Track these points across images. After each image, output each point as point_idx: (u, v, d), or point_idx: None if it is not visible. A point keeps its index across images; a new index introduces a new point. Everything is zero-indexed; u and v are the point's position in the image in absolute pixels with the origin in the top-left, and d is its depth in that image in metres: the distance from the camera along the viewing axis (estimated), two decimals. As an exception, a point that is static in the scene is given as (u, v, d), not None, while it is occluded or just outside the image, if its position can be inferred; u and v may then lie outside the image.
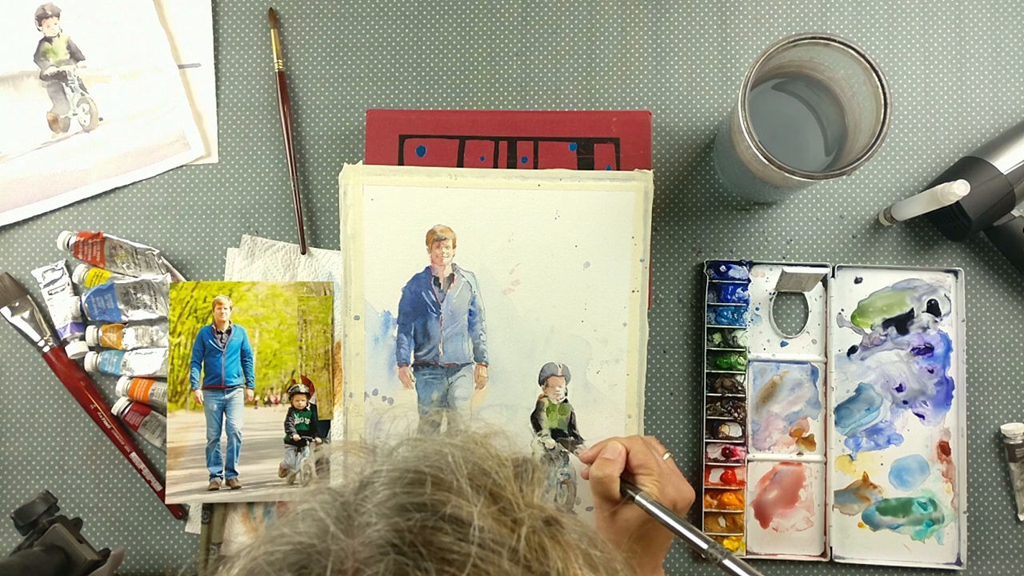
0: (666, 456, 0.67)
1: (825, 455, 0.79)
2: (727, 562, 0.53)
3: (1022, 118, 0.81)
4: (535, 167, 0.79)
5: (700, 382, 0.80)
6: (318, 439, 0.79)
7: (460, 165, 0.79)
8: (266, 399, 0.79)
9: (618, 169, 0.79)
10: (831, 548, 0.77)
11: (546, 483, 0.44)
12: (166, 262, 0.81)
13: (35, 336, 0.80)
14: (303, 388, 0.79)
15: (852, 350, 0.79)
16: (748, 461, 0.79)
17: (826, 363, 0.79)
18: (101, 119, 0.83)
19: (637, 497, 0.62)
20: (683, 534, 0.58)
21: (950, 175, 0.77)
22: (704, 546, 0.55)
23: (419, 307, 0.78)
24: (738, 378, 0.79)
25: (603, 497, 0.65)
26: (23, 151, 0.83)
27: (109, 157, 0.83)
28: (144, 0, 0.83)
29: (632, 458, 0.65)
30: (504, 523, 0.37)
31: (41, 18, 0.83)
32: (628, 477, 0.65)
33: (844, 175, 0.64)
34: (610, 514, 0.65)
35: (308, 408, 0.79)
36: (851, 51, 0.64)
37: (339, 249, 0.80)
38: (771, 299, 0.80)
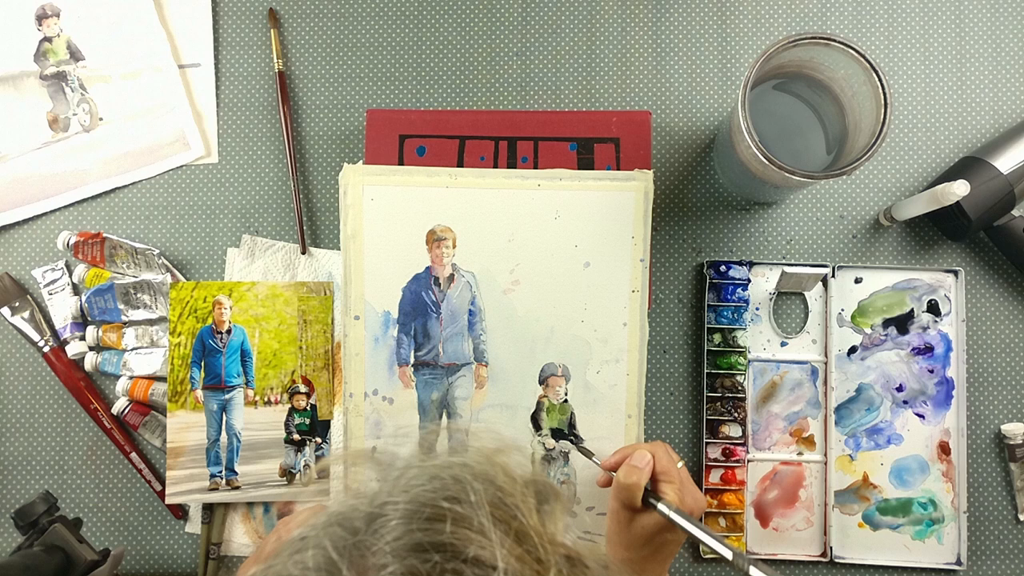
0: (680, 464, 0.67)
1: (825, 455, 0.79)
2: (753, 570, 0.52)
3: (1022, 118, 0.81)
4: (535, 167, 0.79)
5: (700, 382, 0.80)
6: (318, 439, 0.79)
7: (460, 165, 0.79)
8: (266, 399, 0.79)
9: (618, 169, 0.79)
10: (831, 548, 0.77)
11: (568, 515, 0.40)
12: (166, 262, 0.81)
13: (35, 336, 0.80)
14: (303, 388, 0.79)
15: (852, 350, 0.79)
16: (748, 461, 0.79)
17: (826, 363, 0.79)
18: (101, 119, 0.83)
19: (660, 506, 0.62)
20: (710, 544, 0.57)
21: (950, 175, 0.77)
22: (730, 556, 0.54)
23: (419, 307, 0.78)
24: (738, 378, 0.78)
25: (624, 504, 0.64)
26: (23, 151, 0.83)
27: (109, 157, 0.83)
28: (144, 0, 0.83)
29: (656, 464, 0.65)
30: (529, 565, 0.35)
31: (41, 18, 0.83)
32: (649, 484, 0.65)
33: (844, 175, 0.64)
34: (627, 520, 0.64)
35: (308, 408, 0.79)
36: (851, 51, 0.64)
37: (339, 249, 0.80)
38: (771, 299, 0.80)
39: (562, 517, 0.40)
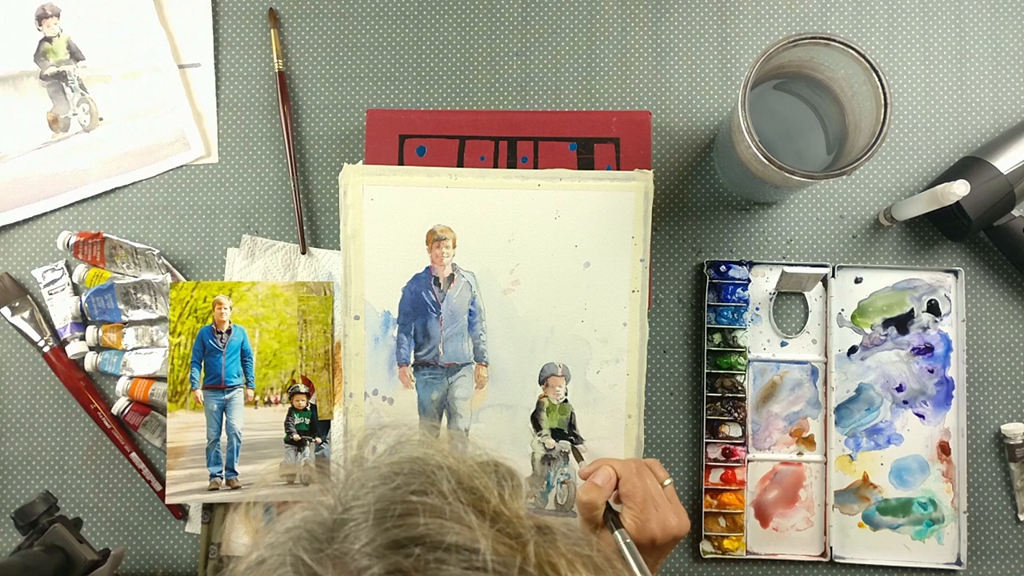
0: (667, 482, 0.65)
1: (825, 455, 0.79)
2: None
3: (1022, 118, 0.81)
4: (535, 167, 0.79)
5: (700, 382, 0.80)
6: (318, 439, 0.79)
7: (460, 165, 0.79)
8: (266, 399, 0.79)
9: (618, 169, 0.79)
10: (831, 548, 0.77)
11: (525, 488, 0.41)
12: (166, 262, 0.81)
13: (35, 336, 0.80)
14: (303, 388, 0.79)
15: (852, 350, 0.79)
16: (748, 461, 0.79)
17: (826, 363, 0.79)
18: (101, 119, 0.83)
19: (616, 533, 0.60)
20: None
21: (950, 175, 0.77)
22: None
23: (419, 307, 0.78)
24: (738, 378, 0.78)
25: (585, 519, 0.64)
26: (23, 151, 0.83)
27: (109, 157, 0.83)
28: (144, 0, 0.83)
29: (620, 485, 0.63)
30: (504, 542, 0.36)
31: (41, 18, 0.83)
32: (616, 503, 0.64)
33: (844, 175, 0.64)
34: (591, 533, 0.63)
35: (308, 408, 0.79)
36: (851, 51, 0.64)
37: (339, 249, 0.80)
38: (771, 299, 0.80)
39: (522, 493, 0.41)
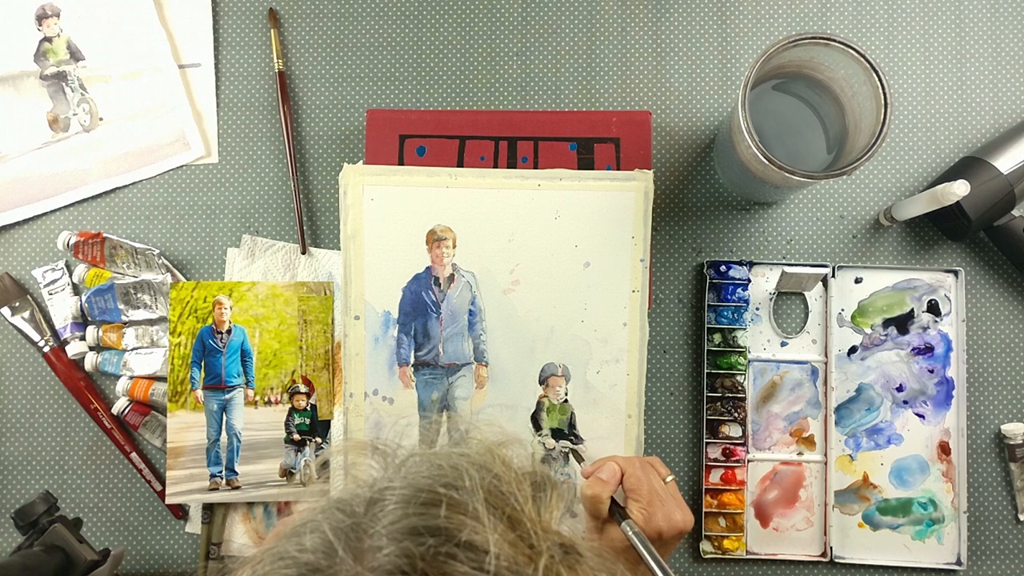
0: (669, 479, 0.66)
1: (825, 455, 0.79)
2: None
3: (1022, 118, 0.81)
4: (535, 167, 0.79)
5: (700, 382, 0.80)
6: (318, 439, 0.79)
7: (460, 165, 0.79)
8: (266, 399, 0.79)
9: (618, 169, 0.79)
10: (831, 548, 0.77)
11: (563, 504, 0.42)
12: (166, 262, 0.81)
13: (35, 336, 0.80)
14: (303, 388, 0.79)
15: (852, 350, 0.79)
16: (748, 461, 0.79)
17: (826, 363, 0.79)
18: (101, 119, 0.83)
19: (623, 525, 0.61)
20: (655, 573, 0.56)
21: (950, 175, 0.77)
22: None
23: (419, 307, 0.78)
24: (738, 378, 0.78)
25: (591, 514, 0.64)
26: (23, 151, 0.83)
27: (109, 157, 0.83)
28: (144, 0, 0.83)
29: (625, 481, 0.64)
30: (521, 550, 0.36)
31: (41, 18, 0.83)
32: (621, 498, 0.64)
33: (844, 175, 0.64)
34: (598, 530, 0.64)
35: (308, 408, 0.79)
36: (851, 51, 0.64)
37: (339, 249, 0.80)
38: (771, 299, 0.80)
39: (558, 506, 0.41)
